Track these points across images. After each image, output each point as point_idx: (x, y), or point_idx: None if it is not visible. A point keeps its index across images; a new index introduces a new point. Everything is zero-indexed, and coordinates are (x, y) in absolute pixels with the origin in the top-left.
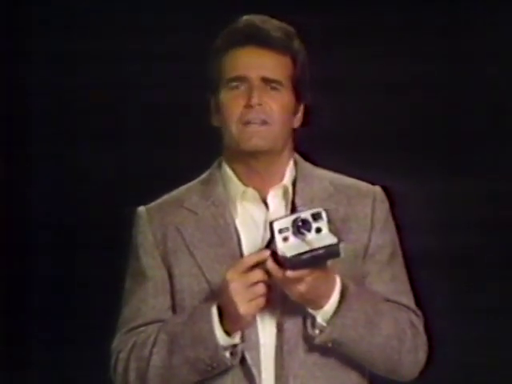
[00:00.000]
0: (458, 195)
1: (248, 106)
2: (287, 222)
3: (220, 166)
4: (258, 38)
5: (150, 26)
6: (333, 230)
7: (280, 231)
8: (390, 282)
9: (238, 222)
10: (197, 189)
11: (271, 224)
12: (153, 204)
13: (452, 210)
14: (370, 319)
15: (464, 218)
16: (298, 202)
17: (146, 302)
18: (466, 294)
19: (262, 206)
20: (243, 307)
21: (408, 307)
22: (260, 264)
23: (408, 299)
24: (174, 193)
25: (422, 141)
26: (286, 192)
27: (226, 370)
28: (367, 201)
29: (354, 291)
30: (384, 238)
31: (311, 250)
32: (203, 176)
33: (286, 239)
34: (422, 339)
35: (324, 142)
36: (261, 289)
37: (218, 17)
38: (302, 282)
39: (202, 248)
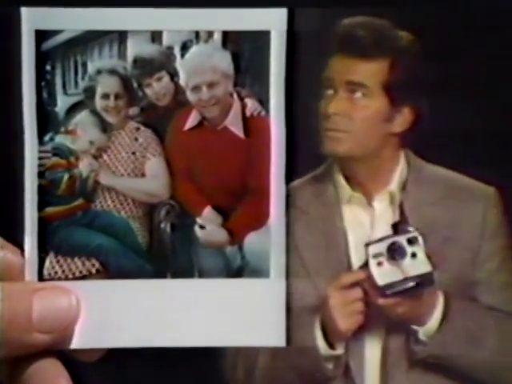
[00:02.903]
0: None
1: (326, 115)
2: (382, 246)
3: (332, 163)
4: (346, 47)
5: None
6: (429, 255)
7: (374, 256)
8: (500, 291)
9: (346, 227)
10: (308, 185)
11: (366, 247)
12: None
13: None
14: (472, 335)
15: None
16: (405, 206)
17: None
18: None
19: (369, 211)
20: (342, 323)
21: None
22: (360, 281)
23: None
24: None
25: None
26: (393, 197)
27: (329, 379)
28: (479, 205)
29: (457, 307)
30: (495, 244)
31: (404, 280)
32: (317, 171)
33: (380, 264)
34: None
35: (436, 142)
36: (359, 306)
37: None
38: (399, 306)
39: (310, 250)
